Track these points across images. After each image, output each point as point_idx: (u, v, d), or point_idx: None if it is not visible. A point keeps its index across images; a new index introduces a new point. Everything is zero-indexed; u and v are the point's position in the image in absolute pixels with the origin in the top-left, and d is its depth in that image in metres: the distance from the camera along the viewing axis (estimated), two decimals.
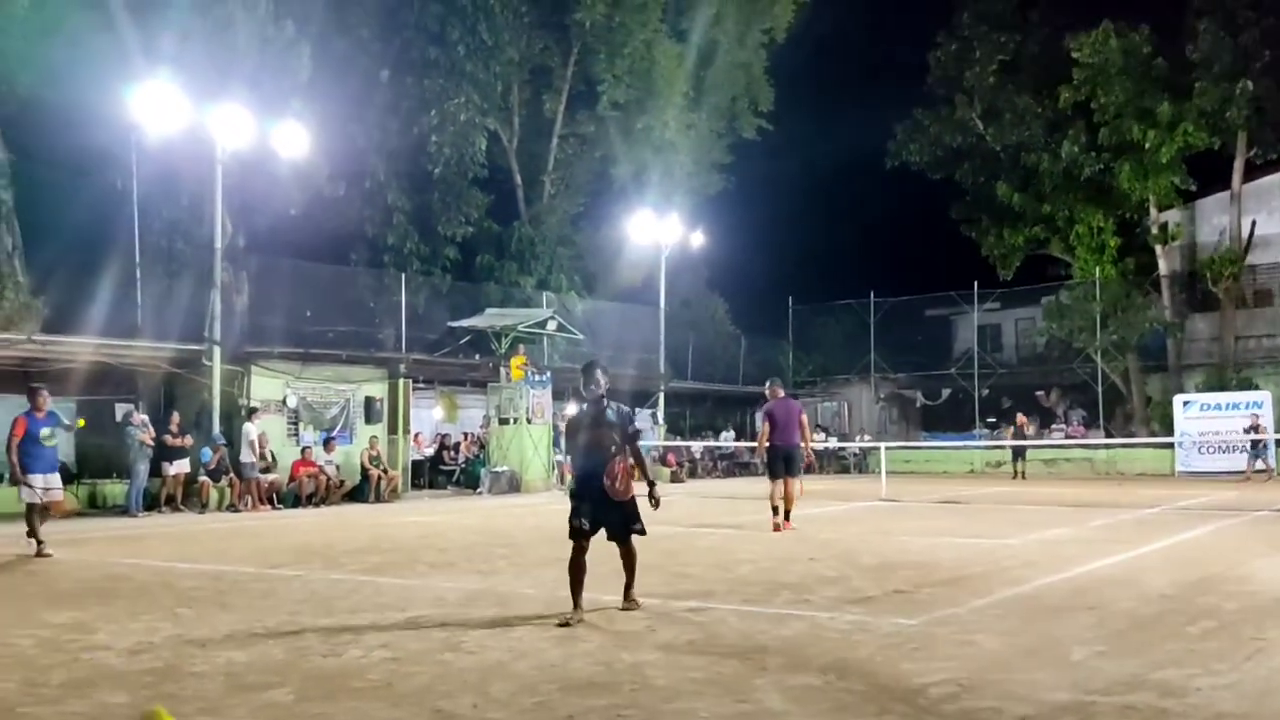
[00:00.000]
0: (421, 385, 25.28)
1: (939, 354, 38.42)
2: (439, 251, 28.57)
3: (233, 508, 18.21)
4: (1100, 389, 32.51)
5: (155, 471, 18.28)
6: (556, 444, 24.16)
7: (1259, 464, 24.81)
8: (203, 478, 18.33)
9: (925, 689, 5.04)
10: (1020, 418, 29.38)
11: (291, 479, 19.47)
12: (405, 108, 27.69)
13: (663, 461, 28.54)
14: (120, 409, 19.58)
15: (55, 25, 20.08)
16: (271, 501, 18.90)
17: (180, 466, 18.11)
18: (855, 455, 33.36)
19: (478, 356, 25.37)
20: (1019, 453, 27.86)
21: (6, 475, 18.23)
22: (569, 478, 25.56)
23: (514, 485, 22.52)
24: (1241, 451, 25.94)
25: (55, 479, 11.51)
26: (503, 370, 23.91)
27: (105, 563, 10.61)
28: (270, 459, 19.21)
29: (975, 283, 35.59)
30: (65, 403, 15.07)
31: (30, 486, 11.15)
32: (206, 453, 18.44)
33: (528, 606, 7.54)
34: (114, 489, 18.21)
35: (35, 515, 11.19)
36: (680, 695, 5.00)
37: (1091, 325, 32.44)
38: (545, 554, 10.75)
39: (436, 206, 28.50)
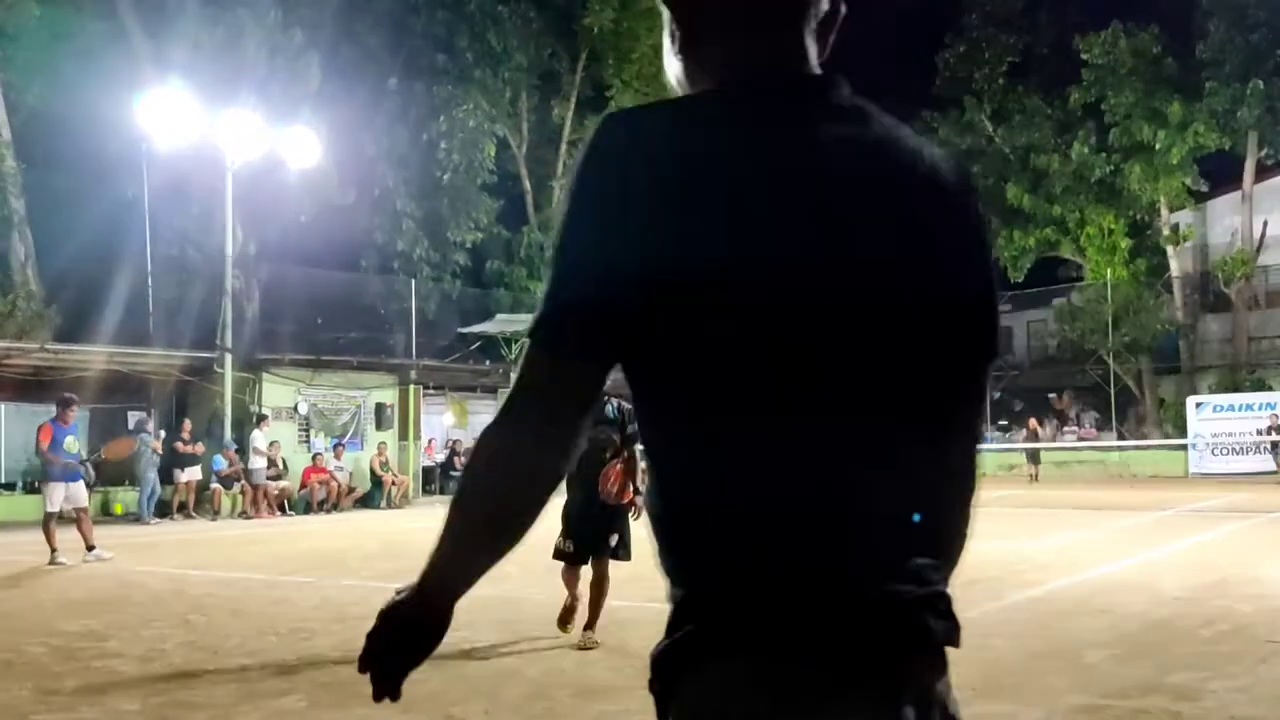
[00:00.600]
0: (432, 391, 25.32)
1: None
2: (449, 257, 28.63)
3: (245, 515, 18.26)
4: (1112, 391, 32.38)
5: (167, 479, 18.35)
6: None
7: (1271, 464, 24.66)
8: (215, 485, 18.38)
9: None
10: (1032, 421, 29.28)
11: (303, 485, 19.52)
12: (414, 114, 27.76)
13: None
14: (133, 417, 19.66)
15: (66, 35, 20.21)
16: (283, 508, 18.95)
17: (192, 474, 18.18)
18: None
19: (488, 362, 25.41)
20: (1033, 455, 27.77)
21: (20, 484, 18.45)
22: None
23: None
24: (1261, 452, 25.80)
25: (79, 489, 11.62)
26: (514, 376, 23.91)
27: (118, 570, 10.64)
28: (281, 466, 19.25)
29: None
30: (79, 411, 15.14)
31: (51, 495, 11.33)
32: (219, 460, 18.50)
33: (538, 612, 7.53)
34: (127, 496, 18.28)
35: (53, 523, 11.28)
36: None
37: (1103, 327, 32.31)
38: (555, 560, 10.75)
39: (446, 213, 28.55)
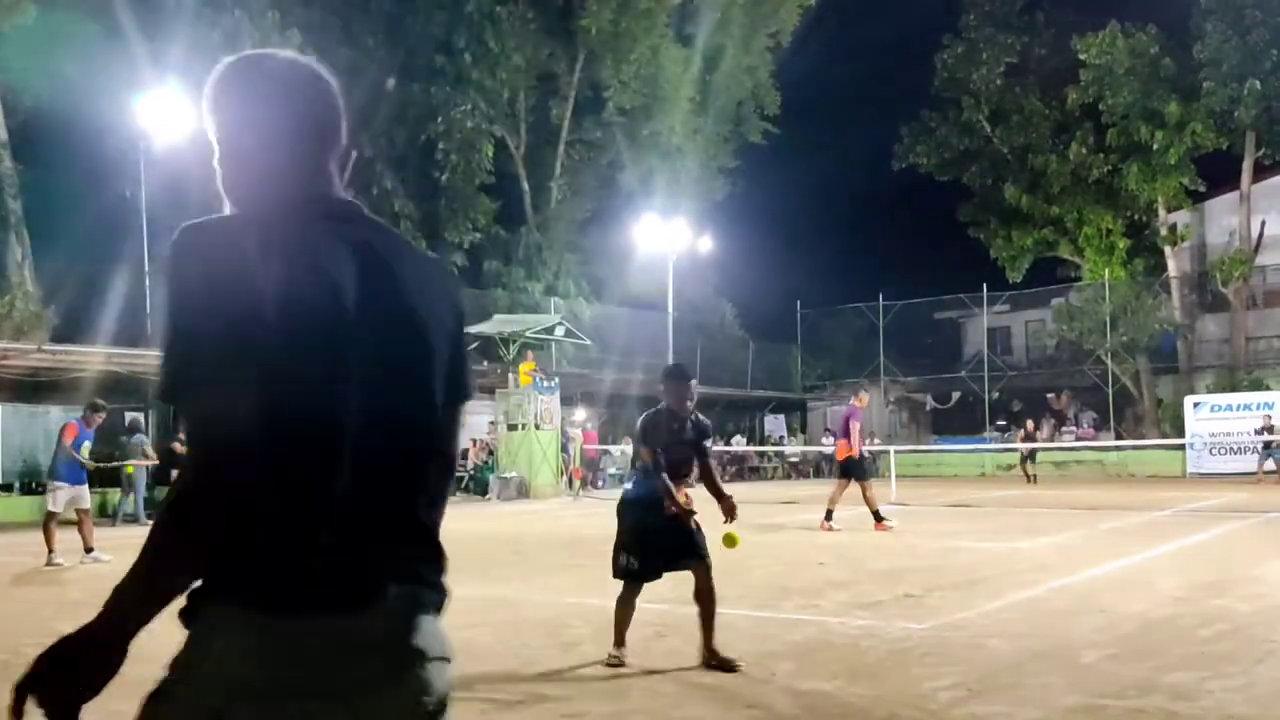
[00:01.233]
0: None
1: (948, 357, 38.36)
2: (446, 258, 28.61)
3: None
4: (1110, 391, 32.42)
5: (164, 480, 18.33)
6: (565, 449, 24.17)
7: (1270, 464, 24.66)
8: None
9: (935, 693, 5.02)
10: (1029, 423, 29.31)
11: None
12: (412, 115, 27.78)
13: None
14: (129, 418, 19.64)
15: (63, 36, 20.21)
16: None
17: None
18: (865, 458, 33.28)
19: (486, 363, 25.39)
20: (1029, 456, 27.78)
21: (18, 485, 18.43)
22: (576, 483, 25.34)
23: (522, 491, 22.53)
24: (1254, 452, 25.83)
25: (83, 491, 11.69)
26: (511, 376, 23.92)
27: (115, 571, 10.57)
28: None
29: (984, 285, 35.54)
30: (74, 411, 15.12)
31: (56, 495, 11.37)
32: None
33: (536, 613, 7.54)
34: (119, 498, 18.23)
35: (54, 524, 11.29)
36: (689, 702, 4.99)
37: (1101, 327, 32.35)
38: (554, 560, 10.76)
39: (444, 213, 28.57)
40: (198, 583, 1.51)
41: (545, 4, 30.36)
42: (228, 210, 1.73)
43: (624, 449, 29.13)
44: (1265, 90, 29.46)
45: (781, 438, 35.91)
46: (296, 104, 1.68)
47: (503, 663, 5.88)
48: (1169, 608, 7.38)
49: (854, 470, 13.79)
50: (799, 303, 38.70)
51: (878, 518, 13.43)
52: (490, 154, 28.99)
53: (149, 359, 19.45)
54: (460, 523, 17.23)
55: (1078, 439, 31.48)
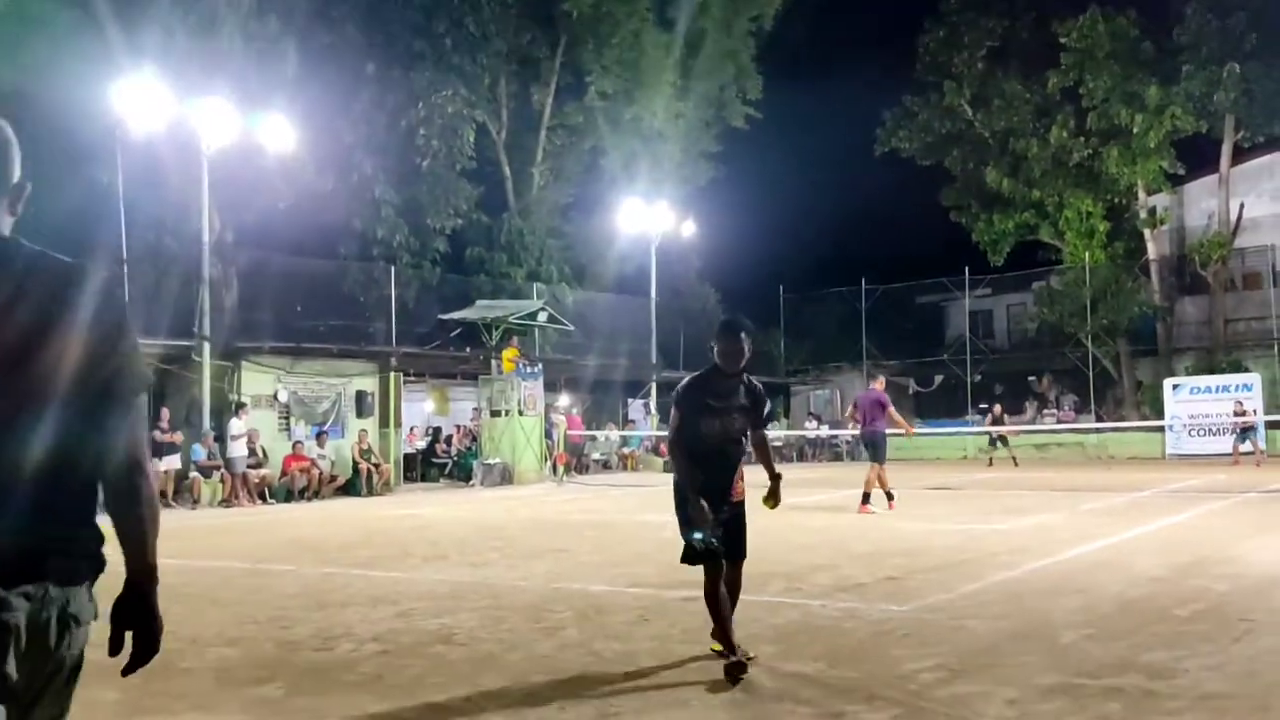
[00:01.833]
0: (412, 378, 25.26)
1: (931, 340, 38.50)
2: (428, 244, 28.49)
3: (225, 503, 18.19)
4: (1091, 373, 32.63)
5: None
6: (548, 435, 24.18)
7: (1247, 446, 24.88)
8: (194, 474, 18.30)
9: (916, 674, 5.06)
10: (996, 407, 29.48)
11: (283, 474, 19.45)
12: (392, 101, 27.57)
13: (655, 451, 28.58)
14: None
15: (36, 21, 19.95)
16: (263, 496, 18.88)
17: (170, 462, 18.09)
18: (848, 442, 33.41)
19: (468, 349, 25.35)
20: (997, 440, 27.88)
21: None
22: (560, 469, 25.30)
23: (506, 477, 22.53)
24: (1230, 433, 26.05)
25: None
26: (494, 362, 23.89)
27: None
28: (261, 454, 19.18)
29: (966, 269, 35.65)
30: None
31: None
32: (198, 449, 18.41)
33: (519, 598, 7.55)
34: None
35: None
36: (673, 685, 5.01)
37: (1082, 310, 32.53)
38: (537, 545, 10.77)
39: (425, 199, 28.40)
40: None
41: None
42: None
43: (608, 434, 29.17)
44: (1244, 73, 29.59)
45: None
46: None
47: (485, 647, 5.89)
48: (1147, 588, 7.45)
49: (881, 449, 14.00)
50: (782, 287, 38.77)
51: (866, 499, 13.63)
52: (471, 139, 28.82)
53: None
54: (443, 508, 17.26)
55: (1059, 421, 31.68)
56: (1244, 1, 29.97)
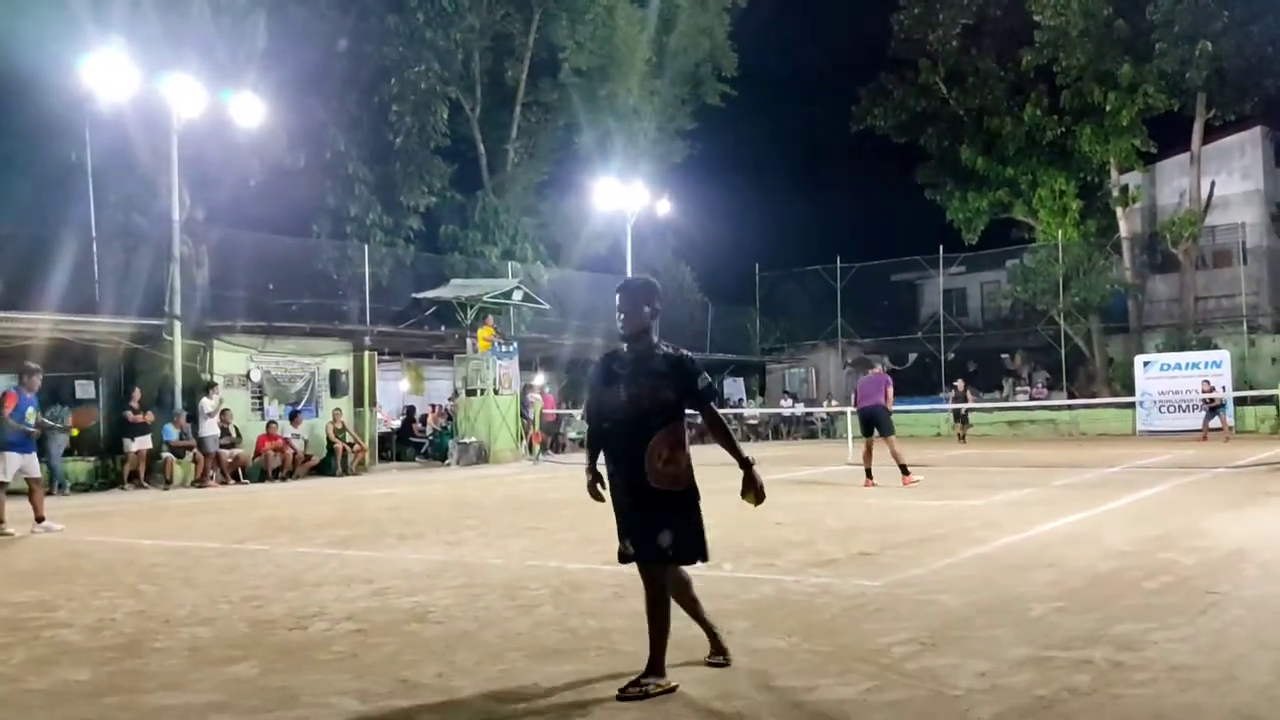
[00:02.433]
0: (387, 357, 25.14)
1: (905, 318, 38.69)
2: (402, 222, 28.32)
3: (198, 484, 18.07)
4: (1063, 351, 32.89)
5: (118, 449, 18.11)
6: (524, 413, 24.14)
7: (1215, 422, 25.19)
8: (166, 454, 18.16)
9: (888, 648, 5.10)
10: (960, 383, 29.68)
11: (257, 454, 19.34)
12: (365, 77, 27.33)
13: None
14: (80, 386, 19.33)
15: None
16: (237, 477, 18.77)
17: (142, 443, 17.94)
18: (823, 420, 33.57)
19: (443, 328, 25.25)
20: (960, 416, 28.13)
21: None
22: (536, 448, 25.27)
23: (482, 456, 22.50)
24: (1199, 409, 26.36)
25: (33, 460, 11.43)
26: (469, 341, 23.80)
27: (66, 540, 10.50)
28: (235, 434, 19.06)
29: (940, 247, 35.82)
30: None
31: (4, 465, 11.10)
32: (169, 429, 18.27)
33: (495, 576, 7.55)
34: (76, 466, 18.00)
35: (1, 494, 11.10)
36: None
37: (1054, 288, 32.76)
38: (512, 524, 10.77)
39: (399, 177, 28.21)
40: None
41: None
42: None
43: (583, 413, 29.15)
44: (1216, 51, 29.74)
45: (740, 400, 36.08)
46: None
47: (460, 625, 5.89)
48: (1116, 561, 7.54)
49: (886, 422, 14.40)
50: (758, 265, 38.82)
51: (905, 470, 13.96)
52: (445, 116, 28.63)
53: (99, 326, 19.15)
54: (419, 487, 17.22)
55: (1031, 398, 31.94)
56: None
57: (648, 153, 33.53)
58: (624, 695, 4.42)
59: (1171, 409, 28.09)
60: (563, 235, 32.37)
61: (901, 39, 35.27)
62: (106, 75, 18.19)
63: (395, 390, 26.76)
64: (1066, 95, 32.06)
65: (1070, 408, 29.84)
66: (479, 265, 28.49)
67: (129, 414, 17.88)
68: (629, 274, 30.50)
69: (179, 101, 18.97)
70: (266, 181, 23.35)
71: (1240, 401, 26.71)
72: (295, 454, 19.74)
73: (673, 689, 4.50)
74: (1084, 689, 4.36)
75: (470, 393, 23.21)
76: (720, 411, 4.80)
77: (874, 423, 14.45)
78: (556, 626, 5.82)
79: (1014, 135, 33.43)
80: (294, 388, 21.45)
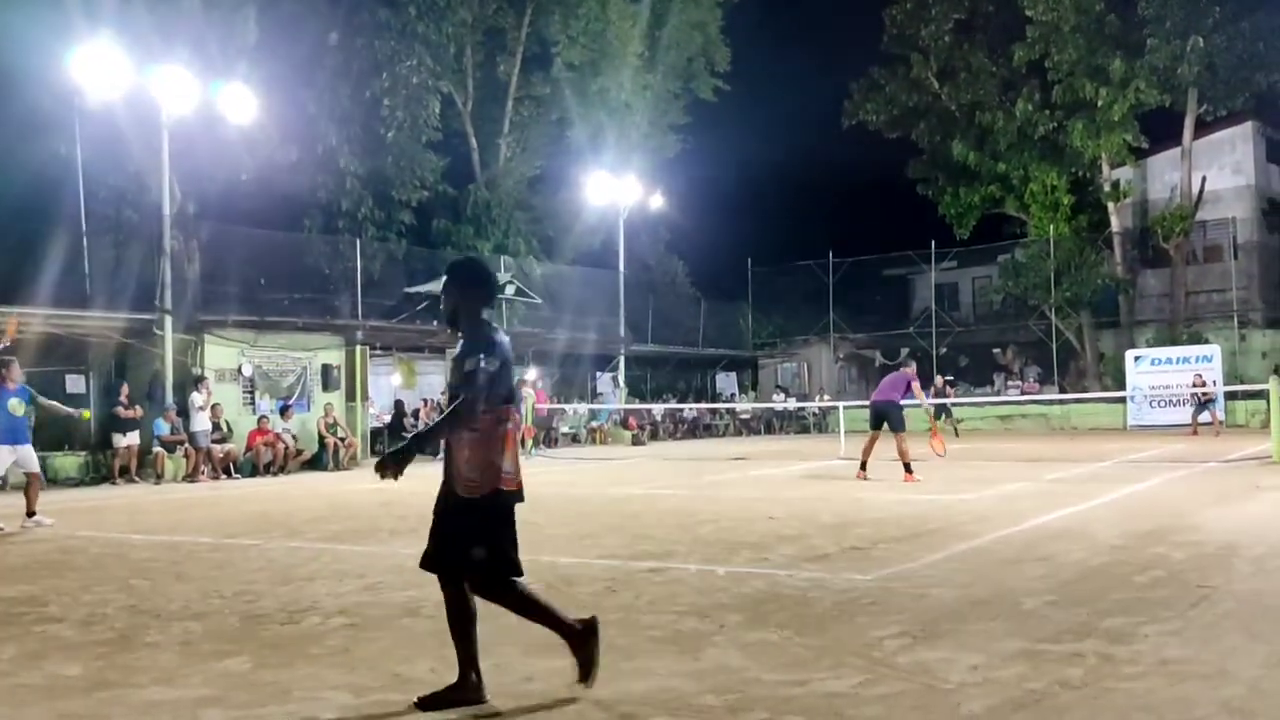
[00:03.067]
0: (379, 352, 25.09)
1: (897, 313, 38.75)
2: (394, 216, 28.24)
3: (189, 478, 18.02)
4: (1054, 345, 32.98)
5: (107, 443, 18.05)
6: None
7: (1205, 416, 25.27)
8: (157, 449, 18.11)
9: (880, 641, 5.11)
10: (939, 379, 29.71)
11: (248, 448, 19.29)
12: (356, 71, 27.21)
13: (624, 424, 28.62)
14: (71, 381, 19.26)
15: None
16: (228, 471, 18.72)
17: (132, 438, 17.89)
18: (815, 415, 33.61)
19: (435, 322, 25.18)
20: (941, 412, 28.08)
21: None
22: (529, 442, 25.26)
23: None
24: (1188, 404, 26.44)
25: (27, 452, 11.31)
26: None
27: (58, 535, 10.46)
28: (226, 428, 19.01)
29: (933, 242, 35.86)
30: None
31: None
32: (160, 424, 18.22)
33: None
34: (67, 461, 17.95)
35: None
36: (639, 654, 5.03)
37: (1046, 283, 32.83)
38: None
39: (390, 171, 28.11)
40: None
41: None
42: None
43: (576, 408, 29.15)
44: (1207, 46, 29.82)
45: (733, 395, 36.12)
46: None
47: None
48: (1107, 555, 7.56)
49: (898, 421, 14.32)
50: (750, 260, 38.83)
51: (908, 469, 13.92)
52: (437, 110, 28.54)
53: (90, 321, 19.08)
54: (410, 481, 17.06)
55: (1022, 393, 32.03)
56: None
57: (640, 147, 33.50)
58: (422, 703, 4.29)
59: (1162, 403, 28.18)
60: (555, 229, 32.33)
61: (894, 34, 35.29)
62: (96, 69, 18.11)
63: (387, 385, 26.71)
64: (1058, 90, 32.11)
65: (1061, 402, 29.93)
66: None
67: (119, 409, 17.83)
68: (621, 268, 30.54)
69: (169, 95, 18.90)
70: (258, 175, 23.26)
71: (1231, 396, 26.81)
72: (286, 449, 19.69)
73: (485, 700, 4.40)
74: (1075, 682, 4.37)
75: None
76: (472, 401, 4.57)
77: (884, 418, 14.38)
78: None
79: (1006, 130, 33.48)
80: (285, 382, 21.40)
